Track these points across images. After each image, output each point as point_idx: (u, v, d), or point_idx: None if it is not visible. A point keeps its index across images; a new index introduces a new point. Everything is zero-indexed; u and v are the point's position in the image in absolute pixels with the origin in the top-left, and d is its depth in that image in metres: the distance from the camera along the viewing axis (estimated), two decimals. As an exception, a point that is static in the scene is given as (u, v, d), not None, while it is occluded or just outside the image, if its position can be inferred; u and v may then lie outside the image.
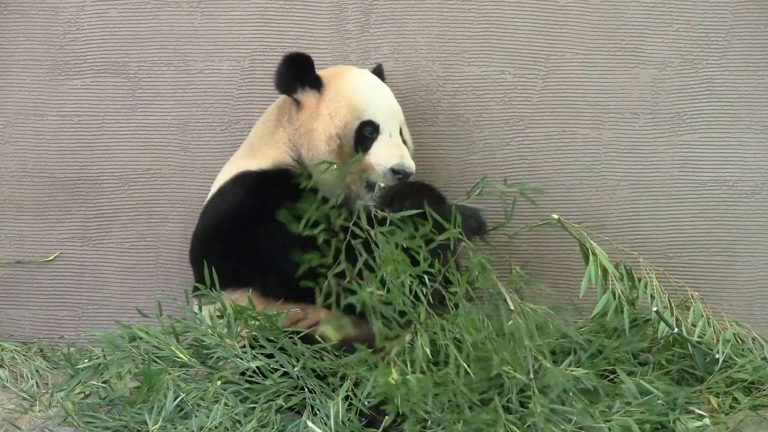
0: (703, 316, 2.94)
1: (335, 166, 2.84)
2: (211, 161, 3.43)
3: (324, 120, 3.02)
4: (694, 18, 3.39)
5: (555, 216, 2.90)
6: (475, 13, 3.42)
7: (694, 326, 2.93)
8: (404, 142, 3.12)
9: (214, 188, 3.12)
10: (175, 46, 3.46)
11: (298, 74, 3.04)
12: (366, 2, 3.44)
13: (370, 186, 3.01)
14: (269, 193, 2.95)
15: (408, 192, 2.89)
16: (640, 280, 2.92)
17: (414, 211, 2.65)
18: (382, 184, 2.99)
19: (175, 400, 2.59)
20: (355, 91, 3.06)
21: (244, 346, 2.70)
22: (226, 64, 3.46)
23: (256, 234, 2.90)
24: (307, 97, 3.06)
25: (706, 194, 3.41)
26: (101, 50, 3.47)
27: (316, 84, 3.06)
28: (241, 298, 2.85)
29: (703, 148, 3.41)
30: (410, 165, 3.01)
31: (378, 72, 3.28)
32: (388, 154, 3.01)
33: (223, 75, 3.46)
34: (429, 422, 2.58)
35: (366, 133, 3.03)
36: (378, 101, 3.08)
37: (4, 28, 3.48)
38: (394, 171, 2.99)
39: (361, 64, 3.39)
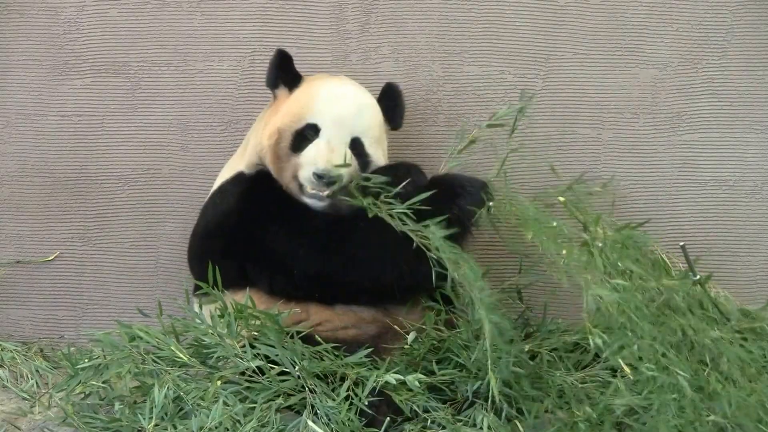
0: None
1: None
2: (211, 161, 3.43)
3: (279, 116, 3.01)
4: (694, 18, 3.39)
5: (561, 198, 2.84)
6: (475, 13, 3.42)
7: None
8: (366, 156, 2.98)
9: (215, 187, 3.12)
10: (175, 46, 3.46)
11: (279, 71, 3.05)
12: (366, 2, 3.44)
13: (301, 186, 2.94)
14: (268, 190, 2.95)
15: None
16: None
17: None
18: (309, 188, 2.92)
19: (174, 397, 2.59)
20: (314, 94, 3.01)
21: (244, 346, 2.70)
22: (226, 64, 3.46)
23: (261, 232, 2.90)
24: (281, 94, 3.08)
25: (706, 194, 3.41)
26: (101, 50, 3.47)
27: (294, 83, 3.06)
28: (243, 298, 2.84)
29: (703, 148, 3.41)
30: (336, 171, 2.86)
31: (387, 91, 3.15)
32: (317, 156, 2.91)
33: (223, 75, 3.46)
34: (429, 422, 2.58)
35: (308, 136, 2.96)
36: (331, 109, 2.98)
37: (4, 28, 3.48)
38: (317, 175, 2.88)
39: (362, 64, 3.39)
